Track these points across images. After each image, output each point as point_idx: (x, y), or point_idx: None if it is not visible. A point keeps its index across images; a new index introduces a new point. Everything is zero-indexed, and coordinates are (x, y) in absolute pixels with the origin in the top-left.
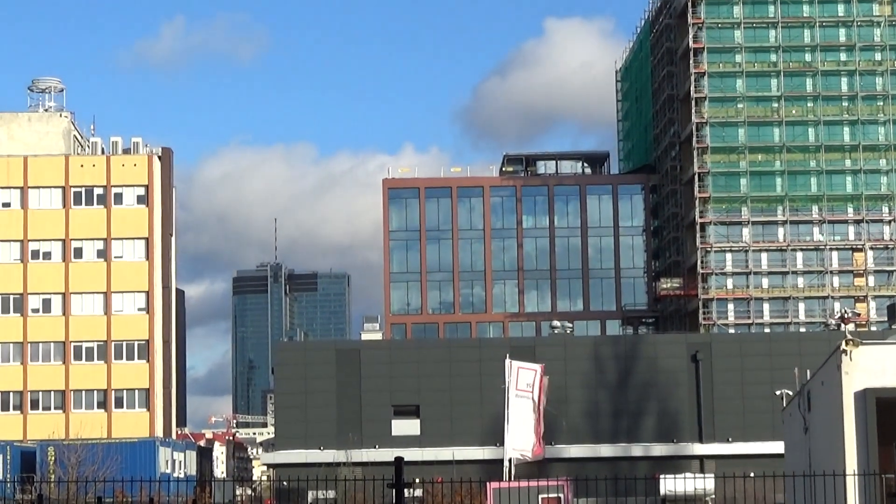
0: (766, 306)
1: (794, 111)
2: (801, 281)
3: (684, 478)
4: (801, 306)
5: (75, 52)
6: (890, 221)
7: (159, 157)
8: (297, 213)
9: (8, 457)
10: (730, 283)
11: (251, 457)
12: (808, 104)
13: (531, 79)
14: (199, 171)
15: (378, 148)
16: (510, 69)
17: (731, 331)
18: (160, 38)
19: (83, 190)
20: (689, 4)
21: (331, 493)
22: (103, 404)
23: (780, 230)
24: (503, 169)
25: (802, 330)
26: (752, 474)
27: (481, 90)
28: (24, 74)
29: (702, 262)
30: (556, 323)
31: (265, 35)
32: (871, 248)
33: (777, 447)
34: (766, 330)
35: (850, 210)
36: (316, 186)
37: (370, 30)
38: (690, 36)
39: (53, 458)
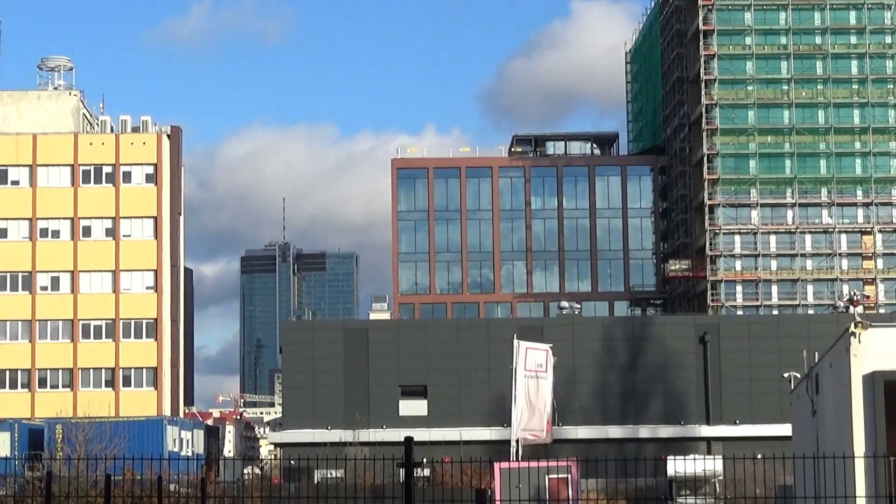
0: (774, 288)
1: (803, 93)
2: (809, 263)
3: (693, 459)
4: (810, 289)
5: (100, 30)
6: None
7: (168, 136)
8: (316, 193)
9: (16, 435)
10: (738, 265)
11: (259, 436)
12: (818, 87)
13: (556, 60)
14: (221, 150)
15: (400, 128)
16: (535, 50)
17: (740, 313)
18: (189, 17)
19: (91, 168)
20: None
21: (339, 473)
22: (111, 383)
23: (789, 212)
24: (512, 149)
25: (811, 312)
26: (759, 456)
27: (505, 71)
28: (46, 53)
29: (710, 244)
30: (565, 304)
31: (292, 15)
32: (880, 231)
33: (784, 429)
34: (775, 312)
35: (860, 193)
36: (336, 166)
37: (396, 10)
38: (700, 18)
39: (61, 437)
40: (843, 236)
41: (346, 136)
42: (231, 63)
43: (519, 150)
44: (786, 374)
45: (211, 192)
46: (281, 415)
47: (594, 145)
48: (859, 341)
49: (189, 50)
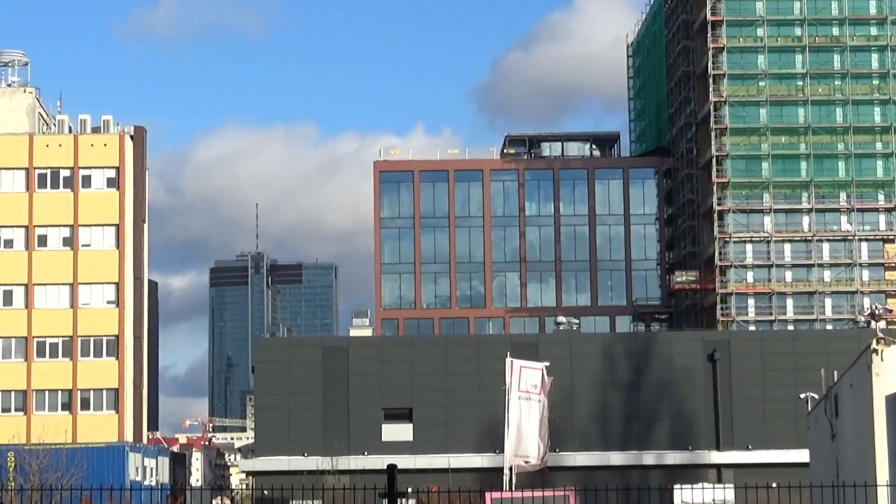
0: (789, 302)
1: (820, 90)
2: (827, 274)
3: (701, 488)
4: (828, 302)
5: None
6: None
7: (131, 137)
8: (293, 198)
9: None
10: (750, 276)
11: (229, 463)
12: (836, 82)
13: (555, 54)
14: (192, 152)
15: (386, 128)
16: (533, 44)
17: (752, 328)
18: (158, 8)
19: (48, 172)
20: None
21: (317, 503)
22: (68, 406)
23: (805, 219)
24: (504, 151)
25: (829, 327)
26: (774, 484)
27: (501, 66)
28: None
29: (720, 253)
30: (562, 319)
31: (272, 7)
32: None
33: (801, 455)
34: (790, 327)
35: (881, 197)
36: (315, 170)
37: (384, 1)
38: (708, 7)
39: (13, 465)
40: (864, 244)
41: (328, 136)
42: (204, 58)
43: (512, 151)
44: (802, 395)
45: (179, 197)
46: (253, 440)
47: (594, 146)
48: (882, 359)
49: (158, 44)
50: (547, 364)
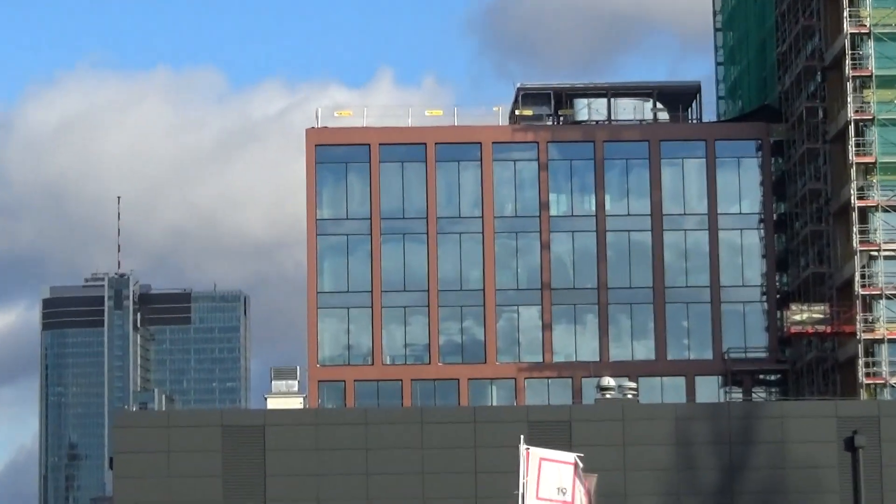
0: None
1: None
2: None
3: None
4: None
5: None
6: None
7: None
8: (178, 189)
9: None
10: None
11: None
12: None
13: None
14: (18, 119)
15: (329, 76)
16: None
17: None
18: None
19: None
20: None
21: None
22: None
23: None
24: (517, 112)
25: None
26: None
27: None
28: None
29: (862, 275)
30: (609, 380)
31: None
32: None
33: None
34: None
35: None
36: (216, 143)
37: None
38: None
39: None
40: None
41: (238, 89)
42: None
43: (528, 112)
44: None
45: (7, 189)
46: None
47: (658, 105)
48: None
49: None
50: (581, 455)
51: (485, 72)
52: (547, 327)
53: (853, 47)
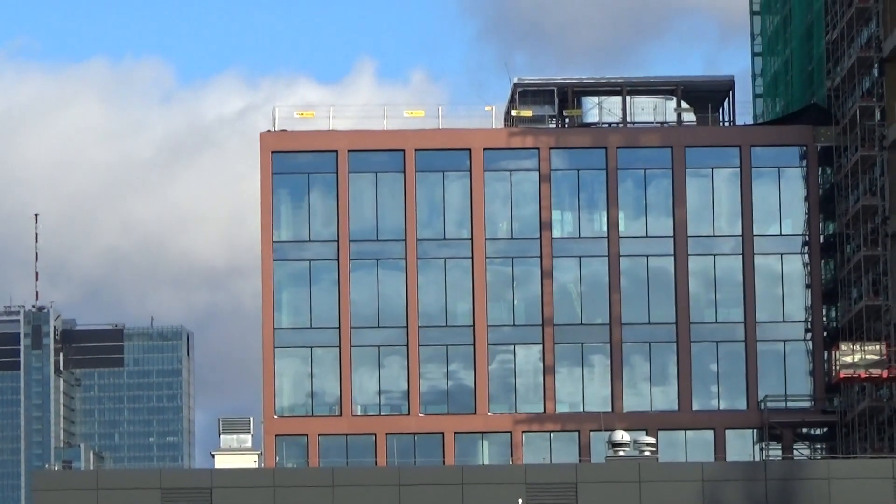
0: None
1: None
2: None
3: None
4: None
5: None
6: None
7: None
8: (111, 204)
9: None
10: None
11: None
12: None
13: None
14: None
15: (292, 69)
16: None
17: None
18: None
19: None
20: None
21: None
22: None
23: None
24: (514, 112)
25: None
26: None
27: None
28: None
29: None
30: (623, 435)
31: None
32: None
33: None
34: None
35: None
36: (157, 150)
37: None
38: None
39: None
40: None
41: (188, 85)
42: None
43: (527, 113)
44: None
45: None
46: None
47: (683, 104)
48: None
49: None
50: None
51: (485, 65)
52: (549, 371)
53: None
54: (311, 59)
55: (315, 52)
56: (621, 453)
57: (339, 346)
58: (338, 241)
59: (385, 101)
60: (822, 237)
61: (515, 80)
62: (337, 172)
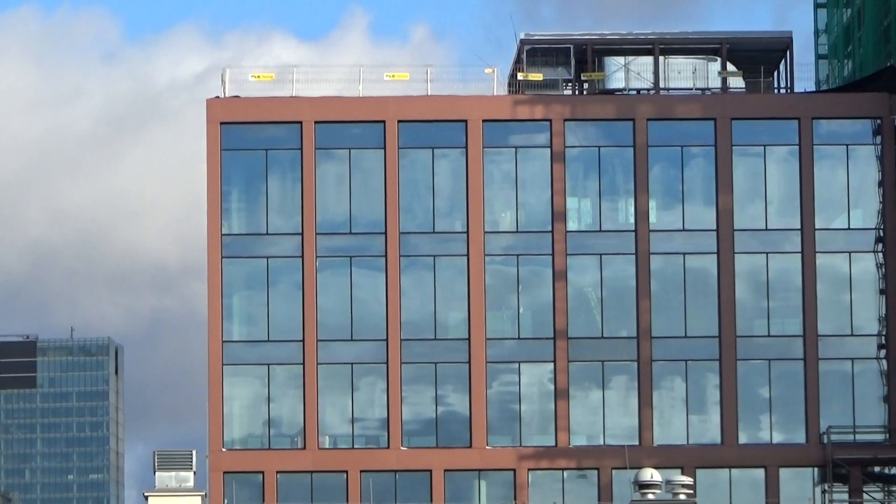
0: None
1: None
2: None
3: None
4: None
5: None
6: None
7: None
8: (47, 190)
9: None
10: None
11: None
12: None
13: None
14: None
15: (277, 22)
16: None
17: None
18: None
19: None
20: None
21: None
22: None
23: None
24: (520, 76)
25: None
26: None
27: None
28: None
29: None
30: (652, 474)
31: None
32: None
33: None
34: None
35: None
36: (104, 121)
37: None
38: None
39: None
40: None
41: (136, 41)
42: None
43: (537, 76)
44: None
45: None
46: None
47: (729, 66)
48: None
49: None
50: None
51: (500, 19)
52: (561, 395)
53: None
54: (289, 11)
55: (294, 2)
56: (650, 496)
57: (304, 364)
58: (302, 234)
59: (346, 61)
60: None
61: (522, 36)
62: (301, 149)
